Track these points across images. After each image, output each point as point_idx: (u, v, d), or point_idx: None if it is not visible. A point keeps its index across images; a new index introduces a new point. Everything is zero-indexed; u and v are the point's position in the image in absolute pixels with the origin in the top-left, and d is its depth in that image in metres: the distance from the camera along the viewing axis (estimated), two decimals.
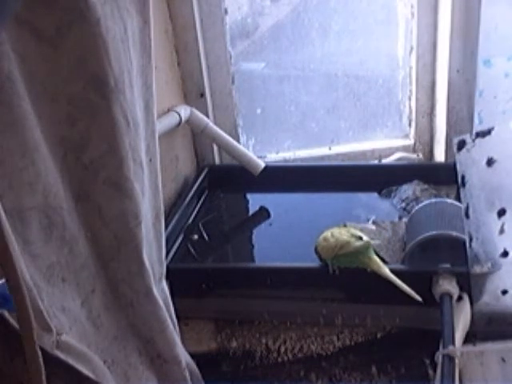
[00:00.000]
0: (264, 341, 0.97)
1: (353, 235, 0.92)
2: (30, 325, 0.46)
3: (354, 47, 1.40)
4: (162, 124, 1.11)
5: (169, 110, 1.19)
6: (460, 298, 0.88)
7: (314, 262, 0.96)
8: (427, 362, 0.91)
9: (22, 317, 0.46)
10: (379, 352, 0.96)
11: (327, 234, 0.95)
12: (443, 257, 0.92)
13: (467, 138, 0.81)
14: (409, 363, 0.94)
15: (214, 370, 0.98)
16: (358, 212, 1.19)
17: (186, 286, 0.99)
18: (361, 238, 0.91)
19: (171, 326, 0.80)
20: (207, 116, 1.33)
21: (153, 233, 0.80)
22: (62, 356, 0.57)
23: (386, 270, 0.88)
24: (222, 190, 1.37)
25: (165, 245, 0.84)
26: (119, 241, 0.69)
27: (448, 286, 0.86)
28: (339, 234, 0.94)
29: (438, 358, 0.78)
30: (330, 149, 1.47)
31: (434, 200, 1.05)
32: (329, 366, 0.96)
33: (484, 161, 0.81)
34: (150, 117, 0.74)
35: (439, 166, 1.39)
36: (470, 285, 0.86)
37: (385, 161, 1.43)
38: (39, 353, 0.48)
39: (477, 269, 0.84)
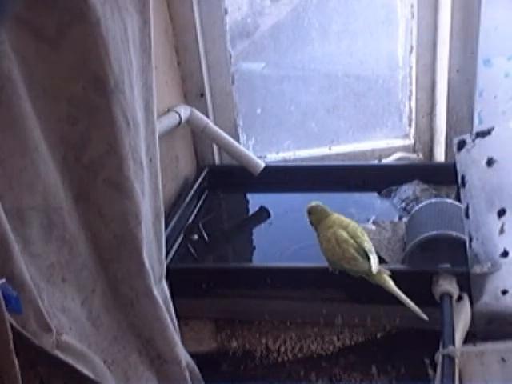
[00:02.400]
0: (264, 341, 0.97)
1: (357, 250, 0.87)
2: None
3: (354, 47, 1.40)
4: (162, 124, 1.11)
5: (169, 110, 1.19)
6: (460, 298, 0.88)
7: (313, 262, 0.96)
8: (427, 362, 0.91)
9: None
10: (379, 352, 0.96)
11: (329, 233, 0.91)
12: (443, 257, 0.92)
13: (467, 138, 0.81)
14: (409, 363, 0.94)
15: (214, 370, 0.98)
16: (358, 212, 1.19)
17: (186, 286, 0.99)
18: (366, 254, 0.86)
19: (171, 326, 0.80)
20: (207, 116, 1.33)
21: (153, 233, 0.80)
22: (62, 356, 0.57)
23: (392, 285, 0.85)
24: (221, 190, 1.37)
25: (165, 245, 0.84)
26: (119, 241, 0.69)
27: (448, 285, 0.86)
28: (341, 237, 0.88)
29: (438, 357, 0.78)
30: (330, 149, 1.47)
31: (433, 200, 1.05)
32: (329, 366, 0.96)
33: (484, 161, 0.81)
34: (150, 117, 0.74)
35: (439, 165, 1.39)
36: (470, 285, 0.86)
37: (385, 161, 1.43)
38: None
39: (477, 269, 0.84)
